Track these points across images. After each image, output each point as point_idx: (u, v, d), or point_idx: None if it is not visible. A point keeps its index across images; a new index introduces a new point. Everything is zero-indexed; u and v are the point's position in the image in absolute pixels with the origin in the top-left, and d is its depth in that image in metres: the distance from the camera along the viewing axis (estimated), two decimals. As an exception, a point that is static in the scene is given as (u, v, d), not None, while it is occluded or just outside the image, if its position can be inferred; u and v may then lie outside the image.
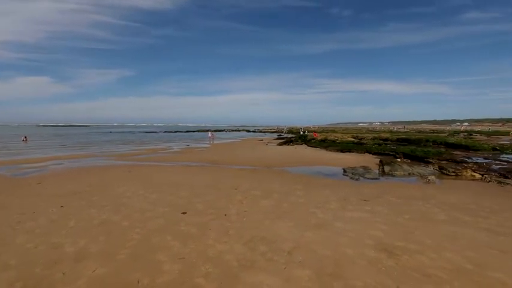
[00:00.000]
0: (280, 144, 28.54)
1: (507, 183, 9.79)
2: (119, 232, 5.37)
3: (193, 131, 73.61)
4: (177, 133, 63.74)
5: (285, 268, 4.07)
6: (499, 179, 10.28)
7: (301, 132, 44.09)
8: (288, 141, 30.55)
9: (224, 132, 74.55)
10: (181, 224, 5.80)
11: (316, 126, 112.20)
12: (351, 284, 3.67)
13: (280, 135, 50.52)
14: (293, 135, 41.56)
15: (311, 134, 37.30)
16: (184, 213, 6.49)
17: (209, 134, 36.61)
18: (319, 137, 30.52)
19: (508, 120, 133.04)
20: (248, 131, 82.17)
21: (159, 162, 15.72)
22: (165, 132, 69.24)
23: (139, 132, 68.56)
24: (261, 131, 74.85)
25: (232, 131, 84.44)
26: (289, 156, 18.04)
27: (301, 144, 27.27)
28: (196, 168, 13.56)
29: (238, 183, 9.72)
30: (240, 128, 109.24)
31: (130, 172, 12.00)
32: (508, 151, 18.27)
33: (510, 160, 14.74)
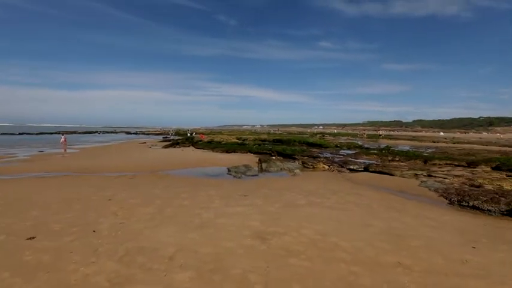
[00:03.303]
0: (165, 146, 27.08)
1: (343, 171, 13.20)
2: None
3: (51, 133, 58.25)
4: (25, 135, 48.92)
5: (165, 275, 3.93)
6: (339, 169, 13.72)
7: (189, 134, 43.51)
8: (174, 144, 29.35)
9: (97, 134, 63.31)
10: (26, 253, 4.53)
11: (204, 128, 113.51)
12: (230, 274, 3.98)
13: (166, 137, 47.93)
14: (180, 137, 40.37)
15: (198, 135, 37.38)
16: (31, 238, 5.10)
17: (62, 137, 24.16)
18: (206, 138, 31.05)
19: (346, 125, 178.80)
20: (128, 132, 73.23)
21: (-10, 175, 11.60)
22: (2, 134, 51.46)
23: (-46, 135, 47.86)
24: (144, 133, 68.26)
25: (108, 132, 72.93)
26: (175, 158, 17.41)
27: (189, 146, 26.89)
28: (55, 179, 10.89)
29: (113, 192, 8.54)
30: (118, 130, 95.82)
31: None
32: (343, 147, 24.82)
33: (345, 154, 19.93)
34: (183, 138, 34.93)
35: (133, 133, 69.70)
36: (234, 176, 11.84)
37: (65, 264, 4.19)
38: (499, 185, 9.94)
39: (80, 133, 62.17)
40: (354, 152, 21.31)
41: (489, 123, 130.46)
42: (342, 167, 14.03)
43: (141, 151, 22.53)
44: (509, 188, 9.67)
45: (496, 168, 13.17)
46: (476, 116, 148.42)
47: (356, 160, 16.09)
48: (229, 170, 12.91)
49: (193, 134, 42.58)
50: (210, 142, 27.75)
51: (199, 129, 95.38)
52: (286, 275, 3.96)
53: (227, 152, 21.10)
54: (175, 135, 54.72)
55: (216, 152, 21.50)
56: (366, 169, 13.32)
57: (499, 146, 31.00)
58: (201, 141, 29.24)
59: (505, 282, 3.87)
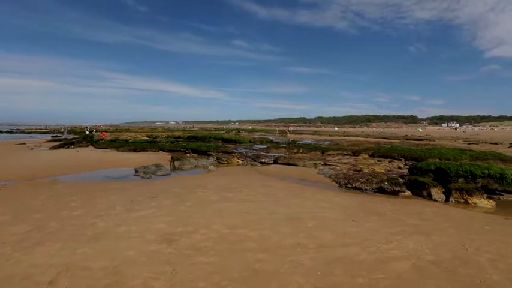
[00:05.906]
0: (55, 147, 22.33)
1: (255, 165, 13.93)
2: None
3: None
4: None
5: (41, 304, 3.20)
6: (252, 163, 14.40)
7: (87, 132, 37.32)
8: (67, 144, 24.55)
9: None
10: None
11: (108, 125, 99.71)
12: (129, 286, 3.57)
13: (57, 136, 39.68)
14: (76, 136, 34.20)
15: (99, 133, 32.52)
16: None
17: None
18: (109, 136, 27.30)
19: (260, 121, 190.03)
20: (-1, 131, 56.76)
21: None
22: None
23: None
24: (24, 132, 54.36)
25: (-37, 132, 54.63)
26: (68, 161, 14.58)
27: (87, 146, 23.07)
28: None
29: (-36, 210, 6.42)
30: (-19, 128, 73.02)
31: None
32: (257, 143, 26.32)
33: (258, 149, 21.11)
34: (80, 137, 29.69)
35: (7, 132, 54.48)
36: (142, 177, 10.80)
37: None
38: (373, 168, 12.49)
39: None
40: (265, 146, 22.80)
41: (368, 120, 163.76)
42: (255, 160, 14.79)
43: (19, 154, 17.86)
44: (379, 170, 12.27)
45: (372, 155, 16.50)
46: (359, 114, 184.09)
47: (267, 154, 17.24)
48: (136, 171, 11.68)
49: (93, 132, 36.78)
50: (114, 141, 24.49)
51: (102, 126, 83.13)
52: (193, 274, 3.84)
53: (135, 151, 19.10)
54: (69, 133, 45.99)
55: (122, 151, 19.17)
56: (275, 162, 14.43)
57: (374, 138, 39.14)
58: (102, 139, 25.48)
59: (372, 245, 4.85)
